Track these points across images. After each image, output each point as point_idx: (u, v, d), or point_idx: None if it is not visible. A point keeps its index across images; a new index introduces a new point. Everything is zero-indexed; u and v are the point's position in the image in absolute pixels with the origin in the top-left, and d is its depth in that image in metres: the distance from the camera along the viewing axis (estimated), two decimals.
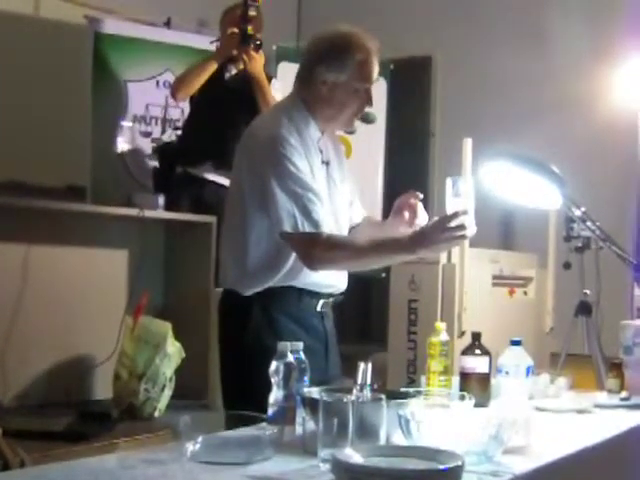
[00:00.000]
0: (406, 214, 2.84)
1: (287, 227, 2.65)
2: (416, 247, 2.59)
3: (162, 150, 5.10)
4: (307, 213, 2.64)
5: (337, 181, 2.89)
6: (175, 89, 4.90)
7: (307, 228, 2.64)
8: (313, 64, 2.80)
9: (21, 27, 5.33)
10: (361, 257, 2.73)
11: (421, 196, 2.85)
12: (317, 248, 2.66)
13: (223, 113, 4.58)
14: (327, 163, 2.86)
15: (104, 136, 5.29)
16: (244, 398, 2.34)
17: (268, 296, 2.76)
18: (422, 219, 2.82)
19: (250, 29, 4.61)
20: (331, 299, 2.90)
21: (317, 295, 2.83)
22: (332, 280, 2.85)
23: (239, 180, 2.82)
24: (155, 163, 5.12)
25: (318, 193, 2.69)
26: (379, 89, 6.03)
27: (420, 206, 2.84)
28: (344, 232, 2.90)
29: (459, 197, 2.61)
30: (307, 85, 2.82)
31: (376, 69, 2.80)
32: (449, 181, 2.63)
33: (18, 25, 5.32)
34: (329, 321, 2.92)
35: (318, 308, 2.85)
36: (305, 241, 2.66)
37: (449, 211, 2.58)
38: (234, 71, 4.76)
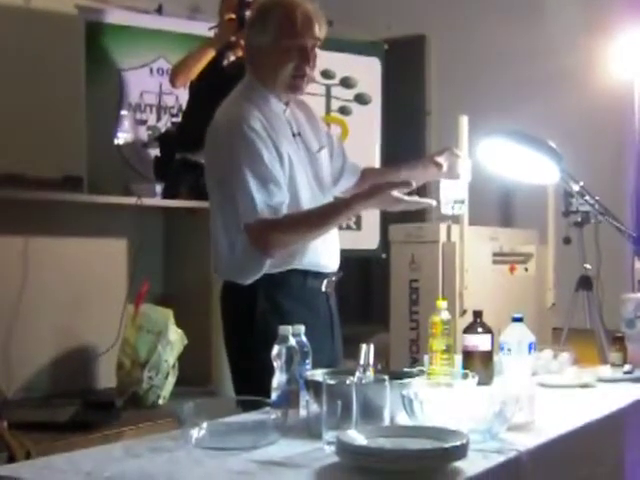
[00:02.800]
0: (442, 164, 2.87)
1: (245, 219, 2.65)
2: (363, 202, 2.67)
3: (163, 138, 5.11)
4: (265, 203, 2.63)
5: (314, 149, 2.88)
6: (173, 76, 4.90)
7: (265, 215, 2.63)
8: (247, 35, 2.84)
9: (12, 18, 5.30)
10: (312, 230, 2.73)
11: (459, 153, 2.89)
12: (267, 237, 2.66)
13: (221, 99, 4.57)
14: (299, 134, 2.85)
15: (99, 125, 5.27)
16: (255, 386, 2.34)
17: (272, 280, 2.74)
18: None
19: (247, 15, 4.59)
20: (334, 278, 2.89)
21: (321, 275, 2.83)
22: (331, 258, 2.85)
23: (208, 170, 2.85)
24: (153, 151, 5.12)
25: (278, 180, 2.67)
26: (373, 70, 6.02)
27: (460, 162, 2.86)
28: (328, 197, 2.89)
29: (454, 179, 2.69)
30: (251, 59, 2.84)
31: (310, 26, 2.74)
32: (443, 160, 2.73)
33: (9, 16, 5.30)
34: (333, 301, 2.92)
35: (323, 288, 2.84)
36: (256, 231, 2.65)
37: (444, 190, 2.74)
38: (232, 57, 4.74)
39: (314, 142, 2.90)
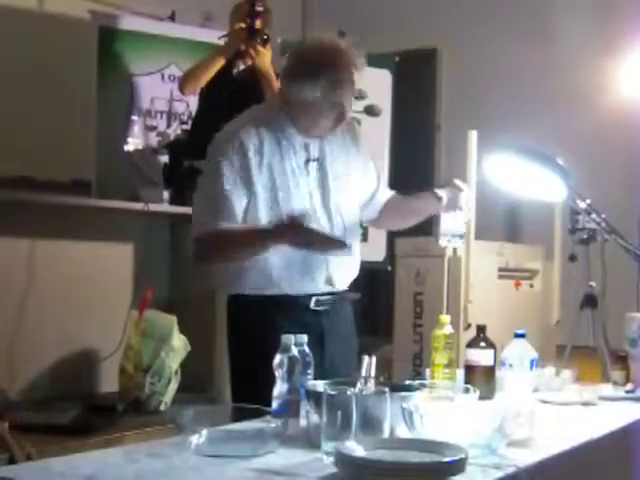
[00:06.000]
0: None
1: (193, 232, 2.77)
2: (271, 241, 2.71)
3: (172, 146, 5.12)
4: (211, 218, 2.73)
5: (333, 176, 2.87)
6: (183, 83, 4.91)
7: (206, 231, 2.74)
8: (288, 80, 2.79)
9: (25, 22, 5.33)
10: (236, 251, 2.79)
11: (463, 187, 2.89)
12: (202, 249, 2.78)
13: (231, 108, 4.58)
14: (317, 159, 2.85)
15: (109, 130, 5.28)
16: (243, 394, 2.37)
17: (265, 296, 2.80)
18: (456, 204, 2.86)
19: (257, 24, 4.61)
20: (329, 297, 2.90)
21: (310, 295, 2.86)
22: (319, 284, 2.87)
23: None
24: (163, 158, 5.14)
25: (231, 207, 2.72)
26: (384, 82, 6.02)
27: (462, 196, 2.86)
28: (338, 220, 2.89)
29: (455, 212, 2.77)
30: (286, 95, 2.80)
31: (351, 72, 2.76)
32: (444, 194, 2.75)
33: (22, 20, 5.32)
34: (329, 319, 2.92)
35: (311, 306, 2.86)
36: (195, 243, 2.77)
37: (443, 223, 2.81)
38: (242, 66, 4.75)
39: (338, 169, 2.89)
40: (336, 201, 2.86)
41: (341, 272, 2.91)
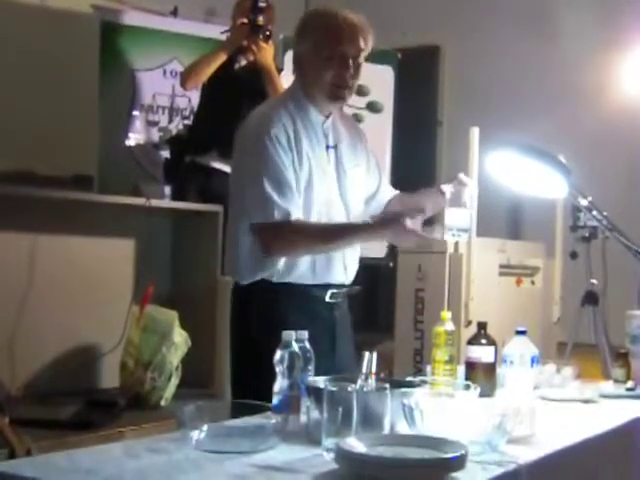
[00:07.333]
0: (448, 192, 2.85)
1: (256, 219, 2.68)
2: (376, 231, 2.75)
3: (173, 141, 5.13)
4: (277, 205, 2.65)
5: (347, 166, 2.88)
6: (185, 78, 4.91)
7: (275, 218, 2.66)
8: (295, 38, 2.83)
9: (28, 17, 5.33)
10: (319, 243, 2.76)
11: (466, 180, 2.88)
12: (276, 237, 2.69)
13: (232, 104, 4.59)
14: (335, 147, 2.85)
15: (111, 125, 5.29)
16: (249, 389, 2.35)
17: (275, 285, 2.76)
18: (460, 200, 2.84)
19: (260, 20, 4.61)
20: (343, 289, 2.90)
21: (326, 286, 2.83)
22: (336, 273, 2.85)
23: (232, 172, 2.90)
24: (164, 153, 5.14)
25: (293, 188, 2.69)
26: (386, 78, 6.03)
27: (466, 191, 2.85)
28: (355, 214, 2.90)
29: (459, 207, 2.75)
30: (295, 67, 2.84)
31: (352, 36, 2.75)
32: (448, 189, 2.72)
33: (25, 15, 5.32)
34: (340, 311, 2.91)
35: (327, 298, 2.84)
36: (266, 230, 2.68)
37: (447, 217, 2.74)
38: (244, 62, 4.76)
39: (350, 159, 2.90)
40: (351, 192, 2.87)
41: (353, 264, 2.91)
